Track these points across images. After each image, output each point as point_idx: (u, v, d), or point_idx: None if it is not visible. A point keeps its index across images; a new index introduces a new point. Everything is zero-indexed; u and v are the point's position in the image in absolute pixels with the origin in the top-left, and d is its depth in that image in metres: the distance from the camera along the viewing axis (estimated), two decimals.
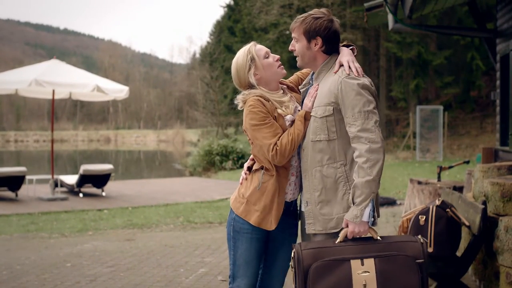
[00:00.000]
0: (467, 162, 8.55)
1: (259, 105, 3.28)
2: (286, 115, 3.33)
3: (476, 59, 29.95)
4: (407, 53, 31.78)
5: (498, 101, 10.23)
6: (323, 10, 3.33)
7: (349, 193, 3.13)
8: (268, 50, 3.45)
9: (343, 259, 2.95)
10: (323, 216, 3.21)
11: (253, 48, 3.41)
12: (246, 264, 3.38)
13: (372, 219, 3.06)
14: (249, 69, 3.38)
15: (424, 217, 4.82)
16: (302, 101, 3.43)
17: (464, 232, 5.32)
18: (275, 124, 3.27)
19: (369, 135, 3.02)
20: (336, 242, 3.04)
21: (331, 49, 3.30)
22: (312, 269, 2.93)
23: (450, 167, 8.44)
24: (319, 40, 3.25)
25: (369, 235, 3.07)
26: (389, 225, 9.28)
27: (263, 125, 3.26)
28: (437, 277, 4.94)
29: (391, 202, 12.32)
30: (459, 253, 5.15)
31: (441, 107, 26.91)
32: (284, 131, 3.28)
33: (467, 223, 4.81)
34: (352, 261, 2.95)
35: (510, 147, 9.30)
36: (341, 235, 3.05)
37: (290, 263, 3.07)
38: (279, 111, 3.32)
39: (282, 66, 3.45)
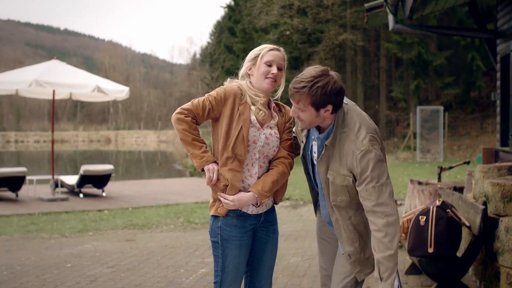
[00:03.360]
0: (468, 163, 8.54)
1: (225, 94, 3.34)
2: (252, 116, 3.36)
3: (476, 60, 29.96)
4: (407, 53, 31.79)
5: (498, 102, 10.23)
6: (322, 70, 3.06)
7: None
8: (277, 63, 3.37)
9: None
10: (368, 259, 3.30)
11: (266, 50, 3.41)
12: (236, 270, 3.40)
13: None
14: (250, 60, 3.45)
15: (425, 217, 4.82)
16: (280, 131, 3.46)
17: (465, 232, 5.32)
18: (203, 107, 3.31)
19: (385, 209, 3.03)
20: None
21: (339, 107, 3.13)
22: None
23: (451, 168, 8.42)
24: (330, 107, 3.05)
25: None
26: None
27: (207, 99, 3.32)
28: (437, 277, 4.94)
29: None
30: (459, 254, 5.15)
31: (441, 108, 26.90)
32: (245, 133, 3.30)
33: (467, 224, 4.81)
34: None
35: (510, 148, 9.30)
36: None
37: None
38: (253, 108, 3.35)
39: (271, 81, 3.37)
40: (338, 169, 3.13)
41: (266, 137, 3.37)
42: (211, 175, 3.30)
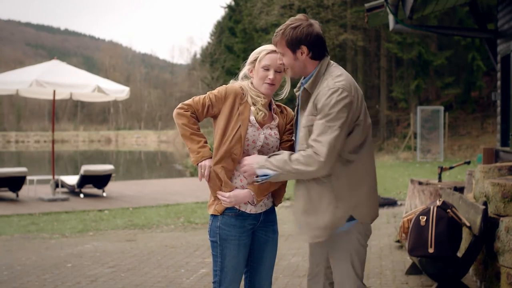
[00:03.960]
0: (468, 163, 8.54)
1: (226, 92, 3.40)
2: (251, 116, 3.38)
3: (476, 60, 29.93)
4: (407, 53, 31.77)
5: (499, 102, 10.23)
6: (300, 16, 3.26)
7: (334, 202, 3.16)
8: (275, 66, 3.37)
9: None
10: (308, 225, 3.26)
11: (264, 53, 3.42)
12: (235, 270, 3.41)
13: (259, 180, 3.22)
14: (250, 63, 3.48)
15: (425, 217, 4.82)
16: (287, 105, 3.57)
17: (465, 232, 5.32)
18: (203, 103, 3.39)
19: (318, 147, 3.04)
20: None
21: (319, 53, 3.23)
22: None
23: (451, 168, 8.42)
24: (304, 48, 3.19)
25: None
26: (390, 225, 9.28)
27: (206, 96, 3.42)
28: (438, 278, 4.94)
29: (391, 203, 12.30)
30: (459, 254, 5.15)
31: (441, 108, 26.90)
32: (243, 132, 3.33)
33: (467, 224, 4.81)
34: None
35: (511, 148, 9.30)
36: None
37: None
38: (252, 108, 3.38)
39: (268, 86, 3.39)
40: (309, 110, 3.18)
41: (266, 137, 3.39)
42: (202, 171, 3.34)
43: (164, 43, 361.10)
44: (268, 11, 35.00)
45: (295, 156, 3.11)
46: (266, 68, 3.37)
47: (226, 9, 50.41)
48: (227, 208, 3.37)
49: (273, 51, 3.38)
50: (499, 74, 10.18)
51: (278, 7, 34.36)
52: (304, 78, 3.32)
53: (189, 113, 3.35)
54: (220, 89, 3.41)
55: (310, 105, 3.19)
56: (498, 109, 10.33)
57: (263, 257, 3.53)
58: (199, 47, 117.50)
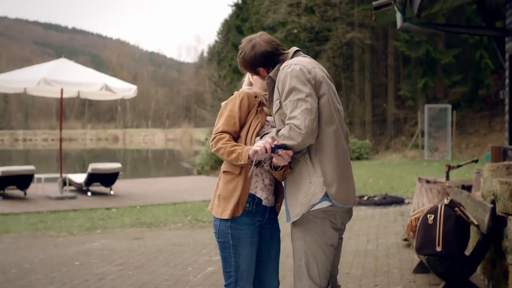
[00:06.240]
0: (476, 161, 8.51)
1: (239, 99, 3.44)
2: (268, 116, 3.45)
3: (484, 58, 29.76)
4: (415, 51, 31.65)
5: (507, 100, 10.19)
6: (243, 41, 3.52)
7: (308, 178, 3.20)
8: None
9: None
10: (290, 206, 3.27)
11: None
12: (249, 267, 3.42)
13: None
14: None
15: (433, 216, 4.81)
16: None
17: (473, 231, 5.30)
18: (235, 122, 3.38)
19: (293, 122, 3.10)
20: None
21: (275, 61, 3.39)
22: None
23: (459, 166, 8.39)
24: (261, 69, 3.43)
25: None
26: (397, 224, 9.26)
27: (228, 114, 3.39)
28: (446, 276, 4.93)
29: (399, 201, 12.28)
30: (467, 252, 5.14)
31: (449, 106, 26.84)
32: (259, 128, 3.37)
33: (475, 222, 4.80)
34: None
35: None
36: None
37: None
38: (265, 109, 3.46)
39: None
40: (276, 95, 3.29)
41: None
42: (263, 151, 3.15)
43: (172, 42, 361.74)
44: (275, 9, 34.98)
45: (282, 131, 3.17)
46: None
47: (233, 7, 50.42)
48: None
49: None
50: (507, 72, 10.13)
51: (285, 5, 34.32)
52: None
53: (222, 135, 3.35)
54: (235, 98, 3.45)
55: (275, 91, 3.31)
56: (506, 108, 10.29)
57: (271, 254, 3.55)
58: (206, 46, 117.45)
